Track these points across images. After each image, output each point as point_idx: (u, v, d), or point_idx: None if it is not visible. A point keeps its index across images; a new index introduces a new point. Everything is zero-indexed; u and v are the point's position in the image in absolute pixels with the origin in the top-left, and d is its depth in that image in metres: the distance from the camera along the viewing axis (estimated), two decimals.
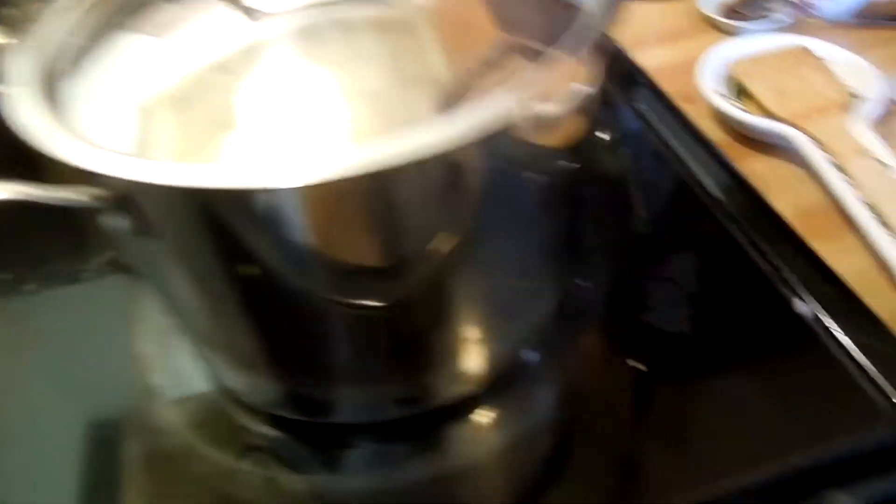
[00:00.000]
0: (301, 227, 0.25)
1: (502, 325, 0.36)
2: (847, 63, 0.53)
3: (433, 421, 0.35)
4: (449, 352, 0.33)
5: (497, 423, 0.36)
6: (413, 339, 0.32)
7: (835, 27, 0.61)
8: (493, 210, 0.28)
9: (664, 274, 0.41)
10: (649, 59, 0.60)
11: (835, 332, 0.36)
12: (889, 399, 0.34)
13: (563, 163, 0.31)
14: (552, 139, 0.29)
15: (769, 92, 0.51)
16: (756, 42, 0.56)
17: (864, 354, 0.35)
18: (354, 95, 0.30)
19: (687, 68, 0.55)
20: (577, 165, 0.33)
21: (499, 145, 0.25)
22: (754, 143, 0.50)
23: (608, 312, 0.41)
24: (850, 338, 0.36)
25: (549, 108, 0.27)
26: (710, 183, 0.46)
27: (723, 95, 0.52)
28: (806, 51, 0.54)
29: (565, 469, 0.34)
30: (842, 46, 0.54)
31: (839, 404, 0.34)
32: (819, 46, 0.55)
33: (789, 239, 0.42)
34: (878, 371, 0.34)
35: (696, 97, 0.53)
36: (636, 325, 0.39)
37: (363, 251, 0.27)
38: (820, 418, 0.34)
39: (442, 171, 0.25)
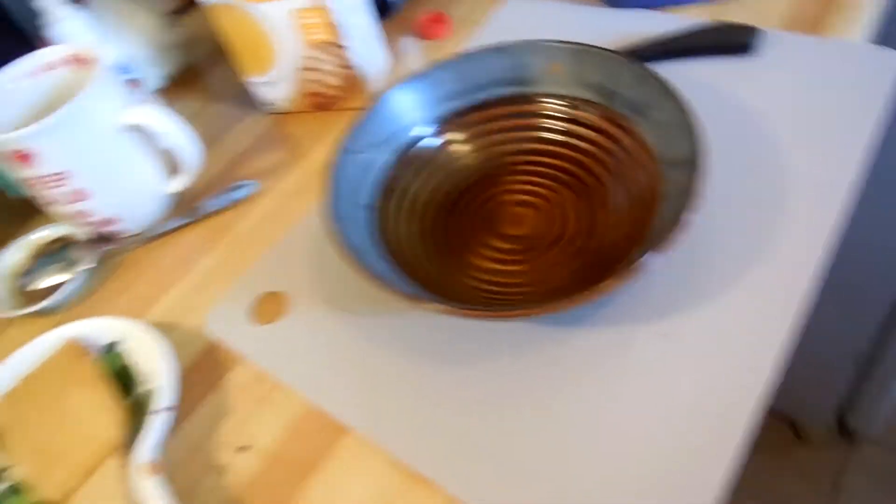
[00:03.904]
0: None
1: None
2: (129, 343, 0.42)
3: None
4: None
5: None
6: None
7: (159, 242, 0.51)
8: None
9: None
10: None
11: None
12: None
13: None
14: None
15: (32, 460, 0.37)
16: (17, 361, 0.43)
17: None
18: None
19: None
20: None
21: None
22: None
23: None
24: None
25: None
26: None
27: None
28: (76, 352, 0.42)
29: None
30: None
31: None
32: (96, 331, 0.43)
33: None
34: None
35: None
36: None
37: None
38: None
39: None
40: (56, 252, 0.52)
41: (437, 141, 0.45)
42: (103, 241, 0.51)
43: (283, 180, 0.53)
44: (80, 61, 0.48)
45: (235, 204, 0.52)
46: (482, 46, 0.45)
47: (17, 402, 0.40)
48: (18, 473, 0.37)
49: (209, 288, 0.47)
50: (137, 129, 0.48)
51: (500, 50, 0.44)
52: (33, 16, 0.54)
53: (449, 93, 0.45)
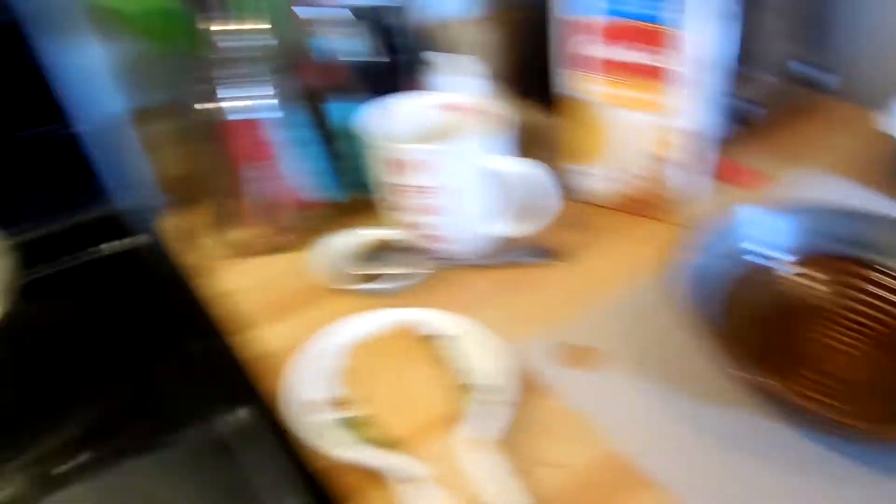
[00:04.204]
0: None
1: None
2: (464, 339, 0.49)
3: None
4: None
5: None
6: None
7: (472, 270, 0.58)
8: None
9: None
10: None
11: None
12: None
13: None
14: None
15: (376, 403, 0.44)
16: (364, 323, 0.50)
17: None
18: None
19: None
20: None
21: None
22: None
23: None
24: None
25: None
26: None
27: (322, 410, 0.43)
28: (412, 333, 0.49)
29: None
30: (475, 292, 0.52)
31: None
32: (435, 321, 0.50)
33: None
34: None
35: None
36: None
37: None
38: None
39: None
40: (376, 249, 0.60)
41: (787, 269, 0.52)
42: (427, 253, 0.59)
43: (586, 258, 0.59)
44: (461, 108, 0.58)
45: (540, 264, 0.59)
46: (833, 204, 0.52)
47: (366, 354, 0.47)
48: (358, 410, 0.43)
49: (509, 324, 0.53)
50: (498, 175, 0.56)
51: (846, 212, 0.51)
52: (416, 63, 0.66)
53: (797, 232, 0.52)
